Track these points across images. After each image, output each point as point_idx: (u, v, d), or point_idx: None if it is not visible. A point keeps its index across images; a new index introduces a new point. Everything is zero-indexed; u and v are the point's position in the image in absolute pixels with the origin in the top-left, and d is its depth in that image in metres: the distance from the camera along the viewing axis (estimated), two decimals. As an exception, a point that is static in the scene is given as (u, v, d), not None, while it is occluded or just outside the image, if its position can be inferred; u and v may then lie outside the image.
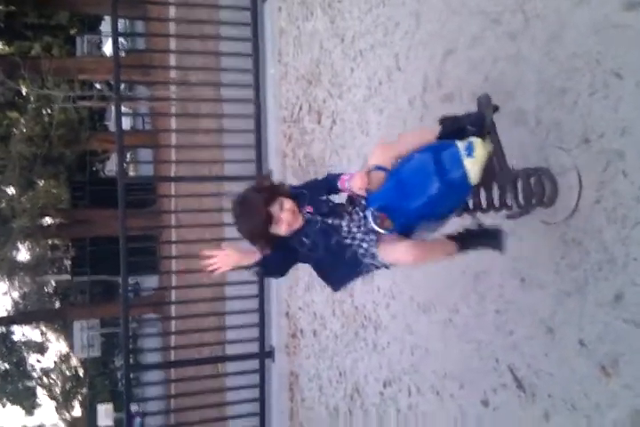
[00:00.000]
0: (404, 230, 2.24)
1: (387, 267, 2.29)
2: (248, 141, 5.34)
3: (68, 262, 22.15)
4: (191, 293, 6.61)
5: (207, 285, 5.24)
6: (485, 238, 2.36)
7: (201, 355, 5.90)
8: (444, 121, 2.23)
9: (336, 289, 2.46)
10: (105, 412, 18.00)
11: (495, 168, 2.09)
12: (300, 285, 4.79)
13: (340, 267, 2.30)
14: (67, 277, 21.31)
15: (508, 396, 2.55)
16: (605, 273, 2.13)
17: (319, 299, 4.48)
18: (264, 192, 2.20)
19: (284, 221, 2.16)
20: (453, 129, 2.18)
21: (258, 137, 5.27)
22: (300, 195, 2.31)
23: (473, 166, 2.01)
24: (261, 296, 5.16)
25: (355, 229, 2.23)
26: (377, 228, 2.15)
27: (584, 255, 2.21)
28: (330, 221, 2.24)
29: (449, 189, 2.06)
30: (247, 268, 2.19)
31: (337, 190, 2.34)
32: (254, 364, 5.19)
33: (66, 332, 24.02)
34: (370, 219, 2.16)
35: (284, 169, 5.14)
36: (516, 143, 2.41)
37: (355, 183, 2.22)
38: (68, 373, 27.30)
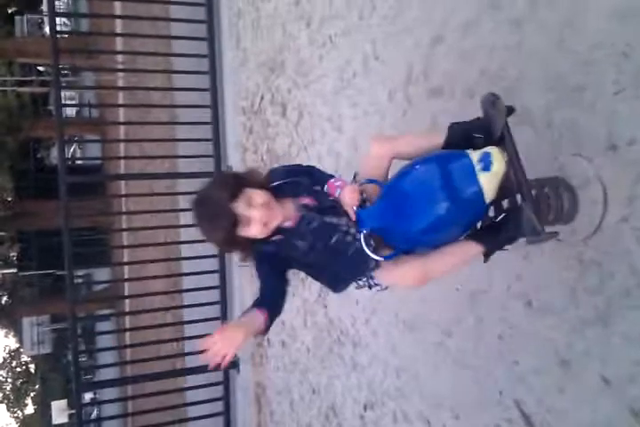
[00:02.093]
0: (403, 252, 1.84)
1: (382, 288, 1.91)
2: (204, 134, 4.90)
3: (13, 256, 21.22)
4: (147, 292, 6.16)
5: (164, 292, 4.82)
6: (513, 224, 1.80)
7: (159, 366, 5.49)
8: (453, 127, 1.83)
9: (338, 291, 1.96)
10: (59, 409, 17.41)
11: (512, 182, 1.73)
12: (266, 291, 4.42)
13: (342, 266, 1.85)
14: (13, 271, 20.43)
15: (516, 433, 2.25)
16: (633, 301, 1.83)
17: (287, 307, 4.07)
18: (227, 185, 1.73)
19: (257, 220, 1.69)
20: (462, 137, 1.79)
21: (215, 129, 4.83)
22: (290, 183, 1.88)
23: (489, 182, 1.64)
24: (224, 303, 4.77)
25: (352, 230, 1.82)
26: (372, 255, 1.77)
27: (607, 279, 1.90)
28: (328, 220, 1.81)
29: (460, 210, 1.68)
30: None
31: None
32: (217, 375, 4.81)
33: (15, 328, 23.12)
34: (362, 244, 1.77)
35: (245, 165, 4.72)
36: (520, 148, 2.08)
37: (344, 197, 1.81)
38: (18, 369, 26.38)
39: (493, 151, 1.66)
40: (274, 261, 1.79)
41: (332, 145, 3.47)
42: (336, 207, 1.83)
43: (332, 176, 1.91)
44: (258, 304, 1.70)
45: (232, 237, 1.71)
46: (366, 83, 3.10)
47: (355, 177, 1.92)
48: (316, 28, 3.55)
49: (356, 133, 3.22)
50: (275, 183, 1.88)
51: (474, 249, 1.82)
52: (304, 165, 2.00)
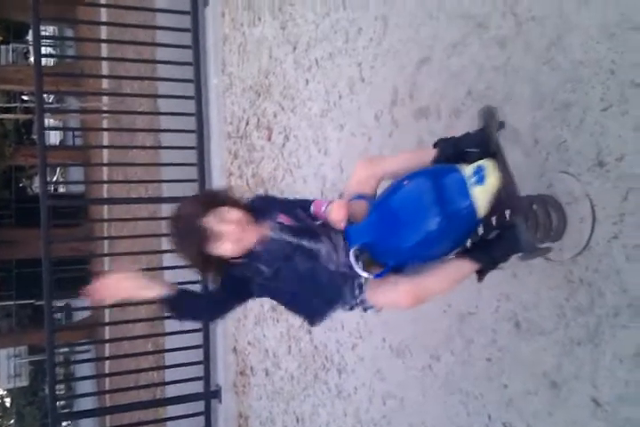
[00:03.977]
0: (393, 270, 1.77)
1: (377, 310, 1.82)
2: (189, 159, 4.86)
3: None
4: (127, 325, 6.02)
5: (145, 319, 4.70)
6: (508, 240, 1.76)
7: (139, 395, 5.34)
8: (441, 144, 1.81)
9: (314, 324, 1.86)
10: (34, 444, 16.88)
11: (504, 198, 1.70)
12: (250, 317, 4.33)
13: (317, 296, 1.76)
14: (-10, 300, 20.01)
15: (505, 459, 2.18)
16: (624, 320, 1.79)
17: (271, 334, 4.04)
18: (201, 202, 1.70)
19: (228, 237, 1.64)
20: (453, 152, 1.76)
21: (200, 154, 4.80)
22: (266, 203, 1.84)
23: (482, 196, 1.60)
24: (206, 330, 4.66)
25: (334, 257, 1.73)
26: (363, 272, 1.69)
27: (597, 298, 1.87)
28: (305, 244, 1.72)
29: (452, 225, 1.63)
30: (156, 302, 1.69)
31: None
32: (199, 405, 4.67)
33: (-10, 359, 22.52)
34: (352, 261, 1.70)
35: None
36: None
37: (331, 213, 1.75)
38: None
39: (488, 164, 1.63)
40: (235, 286, 1.73)
41: (318, 168, 3.45)
42: (315, 232, 1.76)
43: (313, 200, 1.87)
44: (182, 291, 1.72)
45: (204, 254, 1.66)
46: (352, 105, 3.10)
47: (340, 197, 1.89)
48: (302, 51, 3.57)
49: (343, 156, 3.21)
50: (253, 203, 1.85)
51: (468, 267, 1.76)
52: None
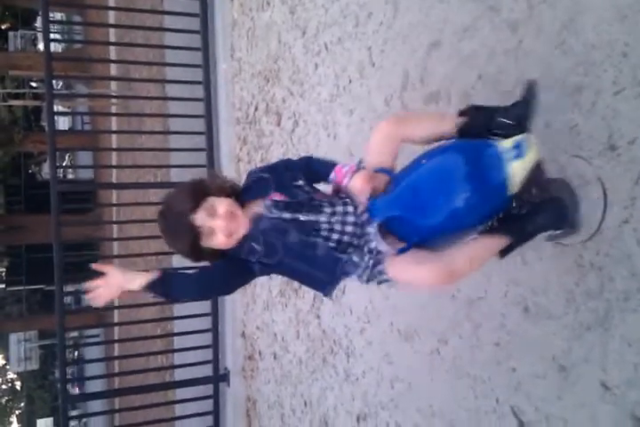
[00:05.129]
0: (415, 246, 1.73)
1: (393, 285, 1.77)
2: (198, 144, 4.86)
3: (1, 271, 20.98)
4: (136, 310, 6.06)
5: (154, 303, 4.74)
6: (544, 215, 1.72)
7: (148, 378, 5.39)
8: (472, 112, 1.73)
9: (326, 294, 1.82)
10: (45, 427, 17.11)
11: (536, 173, 1.66)
12: (258, 302, 4.36)
13: (317, 269, 1.72)
14: (0, 286, 20.18)
15: (512, 443, 2.20)
16: (634, 304, 1.79)
17: (280, 319, 4.06)
18: (189, 195, 1.66)
19: (220, 231, 1.63)
20: (484, 122, 1.70)
21: (209, 139, 4.80)
22: (261, 179, 1.77)
23: (520, 171, 1.56)
24: (215, 314, 4.70)
25: (338, 227, 1.69)
26: (386, 248, 1.66)
27: (607, 282, 1.86)
28: (301, 217, 1.68)
29: (483, 201, 1.59)
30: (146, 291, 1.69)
31: (321, 180, 1.81)
32: (207, 389, 4.71)
33: (1, 344, 22.78)
34: (375, 236, 1.67)
35: (239, 175, 4.69)
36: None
37: (355, 185, 1.68)
38: (4, 386, 25.92)
39: (529, 139, 1.60)
40: (234, 265, 1.71)
41: (327, 153, 3.44)
42: (313, 203, 1.71)
43: (334, 163, 1.79)
44: (171, 272, 1.74)
45: (197, 250, 1.67)
46: (362, 89, 3.08)
47: (359, 164, 1.78)
48: (311, 36, 3.55)
49: (352, 140, 3.20)
50: (248, 180, 1.82)
51: (499, 241, 1.73)
52: (297, 158, 1.88)
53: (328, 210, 1.70)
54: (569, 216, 1.74)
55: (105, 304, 1.72)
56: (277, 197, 1.72)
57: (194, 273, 1.76)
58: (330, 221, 1.69)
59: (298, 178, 1.77)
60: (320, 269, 1.72)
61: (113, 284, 1.66)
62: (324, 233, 1.69)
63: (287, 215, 1.69)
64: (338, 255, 1.71)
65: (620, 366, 1.81)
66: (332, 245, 1.70)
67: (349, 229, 1.70)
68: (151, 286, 1.67)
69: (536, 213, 1.74)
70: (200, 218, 1.63)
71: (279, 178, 1.76)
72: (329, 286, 1.79)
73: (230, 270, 1.73)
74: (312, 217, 1.69)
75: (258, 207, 1.72)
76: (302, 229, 1.68)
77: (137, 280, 1.67)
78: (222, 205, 1.65)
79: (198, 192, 1.67)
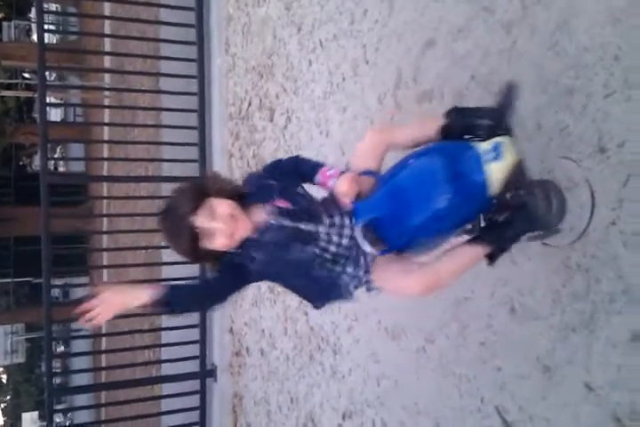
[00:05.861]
0: (397, 249, 1.76)
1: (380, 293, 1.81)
2: (190, 139, 4.85)
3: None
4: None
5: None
6: (522, 218, 1.75)
7: (134, 373, 5.38)
8: (453, 114, 1.76)
9: (317, 307, 1.87)
10: (30, 421, 17.05)
11: (516, 177, 1.67)
12: (247, 298, 4.35)
13: (314, 282, 1.74)
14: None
15: (496, 442, 2.21)
16: (619, 306, 1.80)
17: (268, 315, 4.06)
18: (190, 196, 1.65)
19: (220, 233, 1.62)
20: (464, 123, 1.73)
21: (201, 134, 4.79)
22: (262, 183, 1.77)
23: (498, 173, 1.58)
24: (203, 316, 4.68)
25: (335, 239, 1.70)
26: (371, 249, 1.67)
27: (593, 284, 1.88)
28: (303, 227, 1.68)
29: (463, 202, 1.61)
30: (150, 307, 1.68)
31: (307, 181, 1.80)
32: (194, 384, 4.71)
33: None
34: (359, 237, 1.68)
35: (231, 170, 4.68)
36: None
37: (341, 187, 1.69)
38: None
39: (506, 141, 1.62)
40: (231, 273, 1.71)
41: (319, 150, 3.44)
42: (313, 212, 1.71)
43: (320, 165, 1.79)
44: (170, 286, 1.73)
45: (197, 251, 1.65)
46: (356, 87, 3.08)
47: (346, 167, 1.81)
48: (306, 32, 3.54)
49: (344, 138, 3.20)
50: (246, 190, 1.79)
51: (479, 253, 1.75)
52: (285, 159, 1.87)
53: (327, 221, 1.71)
54: (540, 218, 1.76)
55: (98, 325, 1.69)
56: (281, 203, 1.72)
57: (193, 287, 1.83)
58: (328, 232, 1.70)
59: (299, 185, 1.79)
60: (317, 285, 1.75)
61: (111, 303, 1.63)
62: (323, 244, 1.70)
63: (289, 223, 1.70)
64: (335, 270, 1.73)
65: (604, 367, 1.82)
66: (328, 257, 1.71)
67: (345, 242, 1.71)
68: (155, 305, 1.67)
69: (512, 217, 1.77)
70: (200, 219, 1.62)
71: (282, 184, 1.76)
72: (321, 301, 1.83)
73: (226, 285, 1.74)
74: (312, 227, 1.69)
75: (261, 213, 1.71)
76: (302, 238, 1.69)
77: (138, 298, 1.65)
78: (222, 206, 1.64)
79: (199, 193, 1.66)
